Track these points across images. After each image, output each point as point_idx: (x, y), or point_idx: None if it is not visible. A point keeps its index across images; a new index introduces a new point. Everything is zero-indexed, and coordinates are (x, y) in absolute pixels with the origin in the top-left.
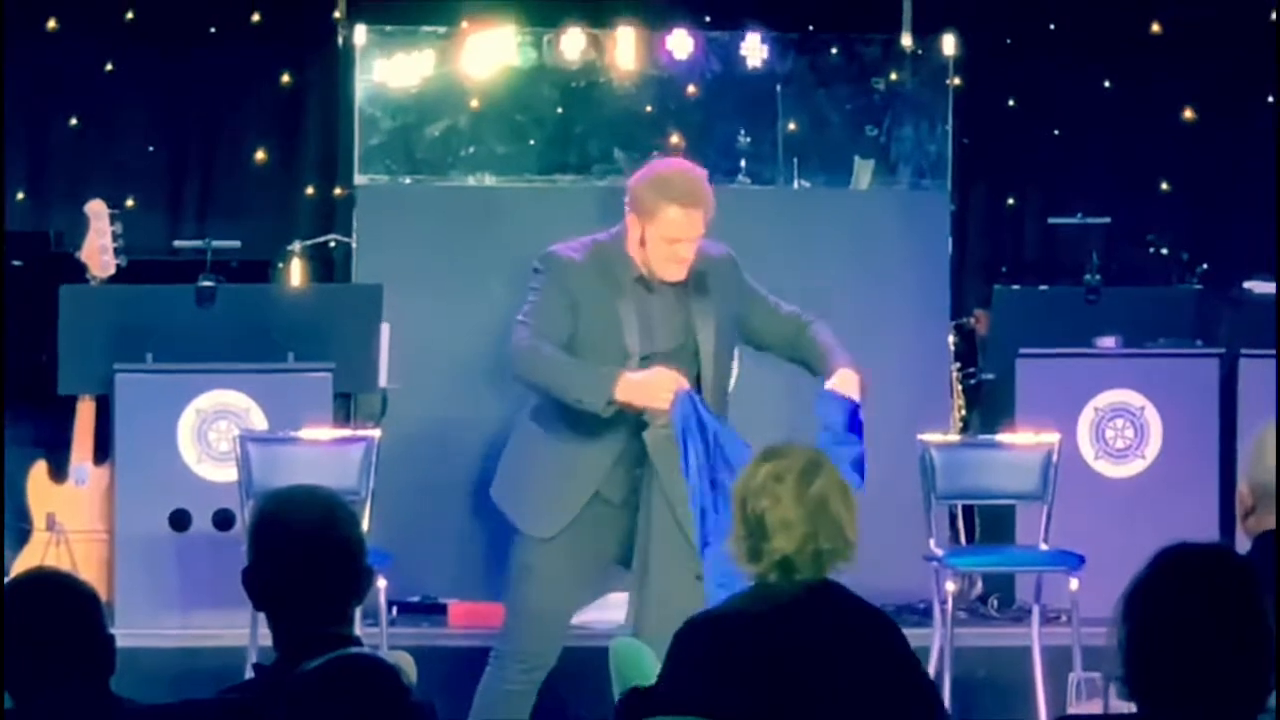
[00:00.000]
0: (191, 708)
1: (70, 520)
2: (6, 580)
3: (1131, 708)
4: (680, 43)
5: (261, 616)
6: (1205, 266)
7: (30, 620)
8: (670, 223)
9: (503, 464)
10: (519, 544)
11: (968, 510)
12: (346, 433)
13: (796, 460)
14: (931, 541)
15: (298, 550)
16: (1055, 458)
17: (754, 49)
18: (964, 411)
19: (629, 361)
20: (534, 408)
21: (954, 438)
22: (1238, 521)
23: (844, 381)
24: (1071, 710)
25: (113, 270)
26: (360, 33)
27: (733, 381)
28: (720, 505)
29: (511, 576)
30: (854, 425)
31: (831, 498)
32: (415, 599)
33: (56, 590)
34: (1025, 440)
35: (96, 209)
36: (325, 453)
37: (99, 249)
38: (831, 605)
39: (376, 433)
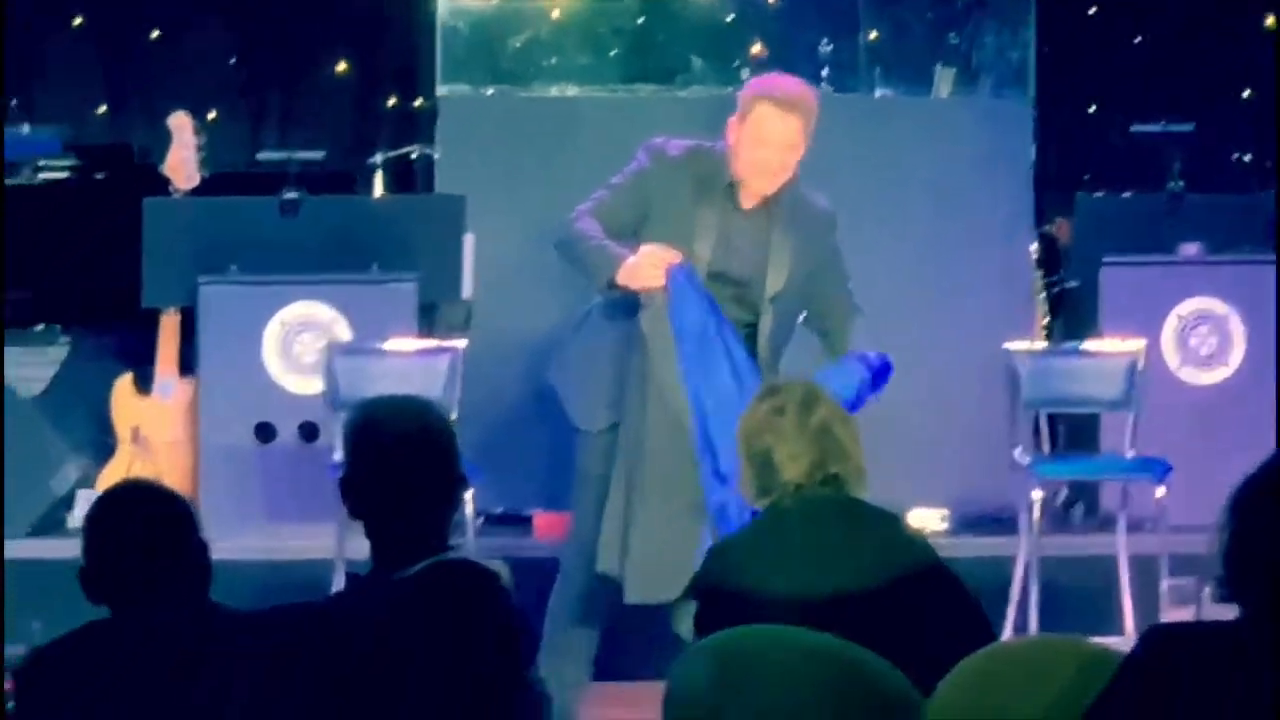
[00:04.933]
0: (290, 613)
1: (155, 433)
2: (100, 493)
3: (1225, 613)
4: None
5: (349, 528)
6: None
7: (125, 531)
8: (760, 122)
9: (563, 347)
10: (576, 446)
11: (1051, 420)
12: (433, 344)
13: (794, 393)
14: (1018, 451)
15: (395, 458)
16: (1141, 365)
17: None
18: (1047, 320)
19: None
20: (605, 301)
21: (1040, 346)
22: None
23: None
24: (1164, 617)
25: (196, 182)
26: None
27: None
28: (712, 400)
29: (574, 481)
30: (879, 379)
31: (834, 424)
32: (500, 510)
33: (148, 500)
34: (1111, 348)
35: (180, 121)
36: (412, 364)
37: (182, 161)
38: (852, 516)
39: (463, 343)
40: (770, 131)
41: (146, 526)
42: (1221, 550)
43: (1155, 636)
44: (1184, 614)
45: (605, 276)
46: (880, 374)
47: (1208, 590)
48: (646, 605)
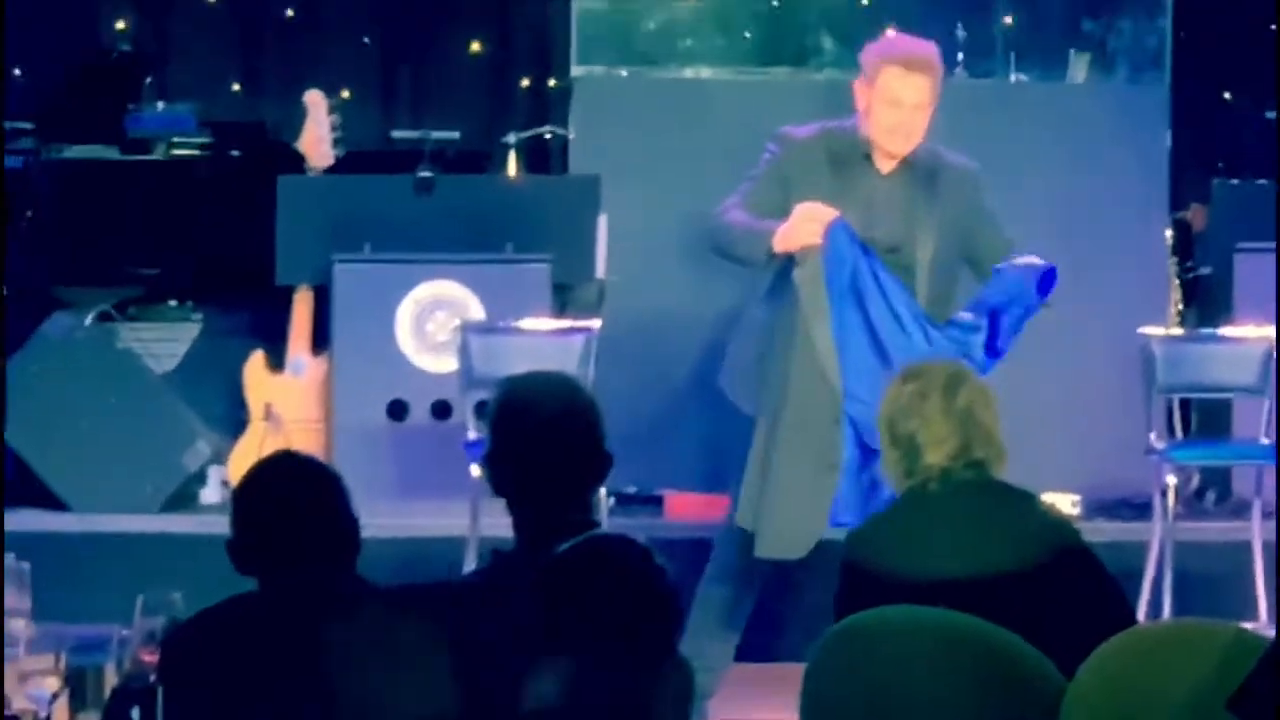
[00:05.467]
0: (441, 589)
1: (287, 410)
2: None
3: None
4: None
5: (483, 505)
6: None
7: (277, 501)
8: (889, 84)
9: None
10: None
11: (1183, 405)
12: (567, 323)
13: (938, 375)
14: (1152, 435)
15: (541, 435)
16: (1276, 352)
17: None
18: (1181, 306)
19: None
20: (764, 292)
21: (1176, 331)
22: None
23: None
24: None
25: (331, 161)
26: None
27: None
28: (870, 351)
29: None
30: (1044, 286)
31: (977, 407)
32: (632, 490)
33: (301, 472)
34: (1247, 333)
35: (315, 99)
36: (546, 343)
37: (317, 139)
38: (997, 499)
39: (596, 323)
40: (900, 92)
41: (298, 497)
42: None
43: None
44: None
45: (764, 248)
46: (1041, 281)
47: None
48: (779, 564)
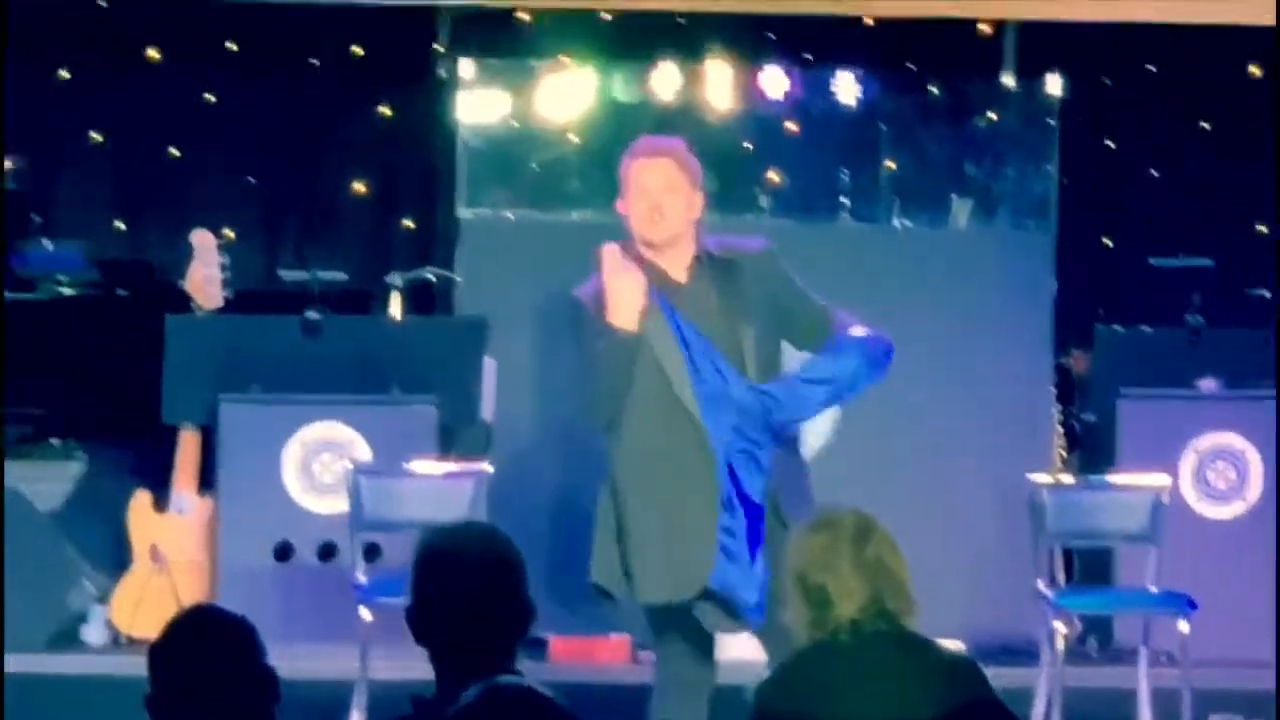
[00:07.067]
0: None
1: (172, 550)
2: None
3: None
4: (773, 80)
5: (372, 649)
6: None
7: (193, 655)
8: (633, 177)
9: None
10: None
11: (1066, 551)
12: (457, 466)
13: (848, 526)
14: (1040, 582)
15: (466, 586)
16: (1166, 500)
17: (847, 86)
18: (1065, 452)
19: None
20: None
21: (1065, 478)
22: None
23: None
24: None
25: (220, 302)
26: (465, 65)
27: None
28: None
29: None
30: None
31: (886, 557)
32: None
33: (216, 625)
34: (1136, 482)
35: (204, 240)
36: (436, 486)
37: (206, 280)
38: (908, 649)
39: (486, 465)
40: (644, 180)
41: (215, 654)
42: None
43: None
44: None
45: (609, 342)
46: (870, 350)
47: None
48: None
